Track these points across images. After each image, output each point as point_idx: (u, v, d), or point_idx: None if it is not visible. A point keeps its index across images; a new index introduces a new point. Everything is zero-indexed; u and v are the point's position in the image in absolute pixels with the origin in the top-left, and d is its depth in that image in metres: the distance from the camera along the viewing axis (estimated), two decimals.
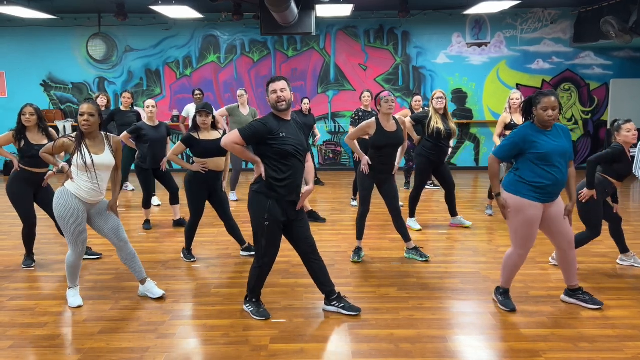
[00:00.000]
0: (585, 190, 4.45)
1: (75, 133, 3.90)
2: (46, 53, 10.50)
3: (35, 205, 4.94)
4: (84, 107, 3.80)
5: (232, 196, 7.84)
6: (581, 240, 4.59)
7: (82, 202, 3.87)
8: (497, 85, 10.52)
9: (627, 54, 10.45)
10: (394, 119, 4.92)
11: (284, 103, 3.56)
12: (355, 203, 7.47)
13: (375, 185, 5.00)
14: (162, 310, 3.96)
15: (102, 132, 3.96)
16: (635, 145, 4.55)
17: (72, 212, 3.84)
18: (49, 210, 4.86)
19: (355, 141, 5.02)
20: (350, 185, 7.78)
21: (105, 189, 3.96)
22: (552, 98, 3.53)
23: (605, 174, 4.50)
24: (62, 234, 4.90)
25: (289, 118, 3.64)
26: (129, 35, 10.47)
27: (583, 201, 4.46)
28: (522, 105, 3.76)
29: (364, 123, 4.84)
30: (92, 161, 3.80)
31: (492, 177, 3.81)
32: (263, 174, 3.58)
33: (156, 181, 6.64)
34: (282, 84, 3.56)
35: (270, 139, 3.51)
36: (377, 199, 5.54)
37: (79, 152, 3.79)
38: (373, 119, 4.85)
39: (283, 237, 3.79)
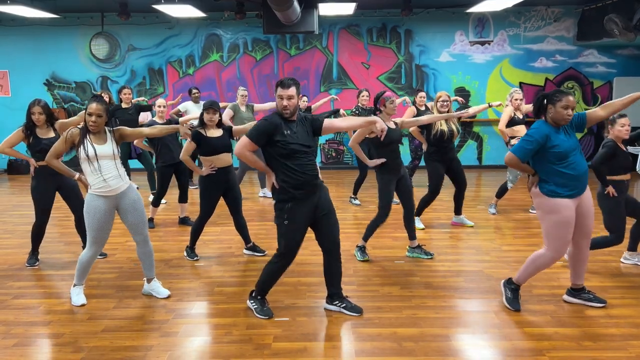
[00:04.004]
0: (607, 189, 4.44)
1: (81, 125, 3.90)
2: (49, 52, 10.51)
3: (59, 199, 4.93)
4: (92, 108, 3.78)
5: None
6: (601, 243, 4.55)
7: (105, 200, 3.86)
8: (500, 83, 10.49)
9: (630, 52, 10.40)
10: None
11: (288, 111, 3.55)
12: (357, 202, 7.46)
13: None
14: (165, 309, 3.97)
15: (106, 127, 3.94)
16: (627, 141, 4.54)
17: (94, 211, 3.84)
18: (71, 203, 4.91)
19: (358, 146, 4.92)
20: (352, 184, 7.76)
21: (116, 180, 3.85)
22: (572, 97, 3.56)
23: (611, 175, 4.47)
24: (80, 235, 4.94)
25: (295, 119, 3.63)
26: (132, 34, 10.48)
27: (611, 195, 4.42)
28: (535, 102, 3.72)
29: None
30: (95, 152, 3.78)
31: (521, 169, 3.79)
32: (275, 183, 3.58)
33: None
34: (290, 91, 3.51)
35: (276, 136, 3.50)
36: (374, 198, 5.53)
37: (82, 146, 3.79)
38: (378, 117, 4.82)
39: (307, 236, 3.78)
